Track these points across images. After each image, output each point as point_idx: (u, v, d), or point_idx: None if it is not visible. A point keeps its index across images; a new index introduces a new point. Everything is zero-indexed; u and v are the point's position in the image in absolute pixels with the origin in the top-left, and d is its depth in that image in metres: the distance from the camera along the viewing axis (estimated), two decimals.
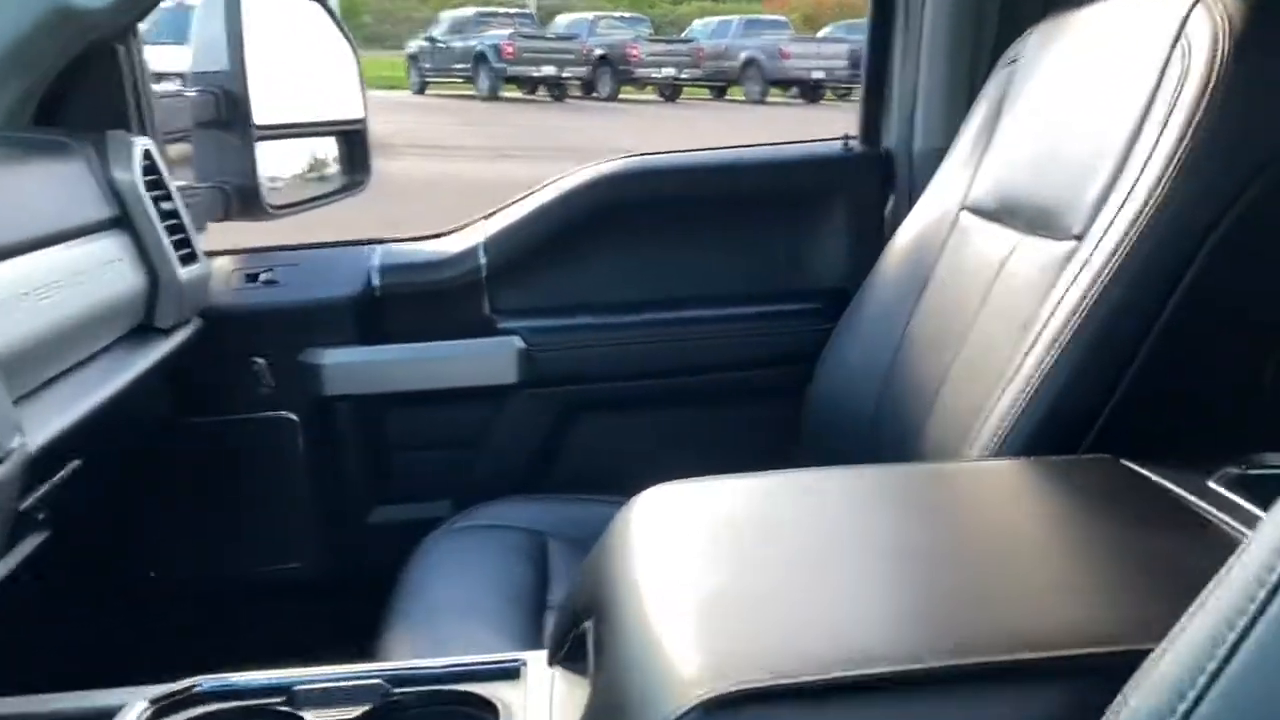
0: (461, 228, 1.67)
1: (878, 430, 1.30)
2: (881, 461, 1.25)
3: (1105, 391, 0.92)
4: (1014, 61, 1.33)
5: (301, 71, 1.87)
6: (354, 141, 1.92)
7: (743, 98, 19.44)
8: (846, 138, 1.66)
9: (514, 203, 1.67)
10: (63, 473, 1.10)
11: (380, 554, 1.59)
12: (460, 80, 19.78)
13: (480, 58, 18.87)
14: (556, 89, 19.24)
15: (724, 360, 1.62)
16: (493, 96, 18.26)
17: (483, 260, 1.60)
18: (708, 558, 0.72)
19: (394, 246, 1.64)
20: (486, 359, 1.59)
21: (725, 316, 1.63)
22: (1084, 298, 0.94)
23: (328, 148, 1.95)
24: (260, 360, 1.55)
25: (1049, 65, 1.25)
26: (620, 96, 19.61)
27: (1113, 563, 0.71)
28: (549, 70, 18.96)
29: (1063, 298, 0.97)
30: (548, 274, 1.63)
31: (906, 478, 0.85)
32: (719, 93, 20.27)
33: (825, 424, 1.41)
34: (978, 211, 1.28)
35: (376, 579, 1.43)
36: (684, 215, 1.65)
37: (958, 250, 1.29)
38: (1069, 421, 0.93)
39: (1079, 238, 1.03)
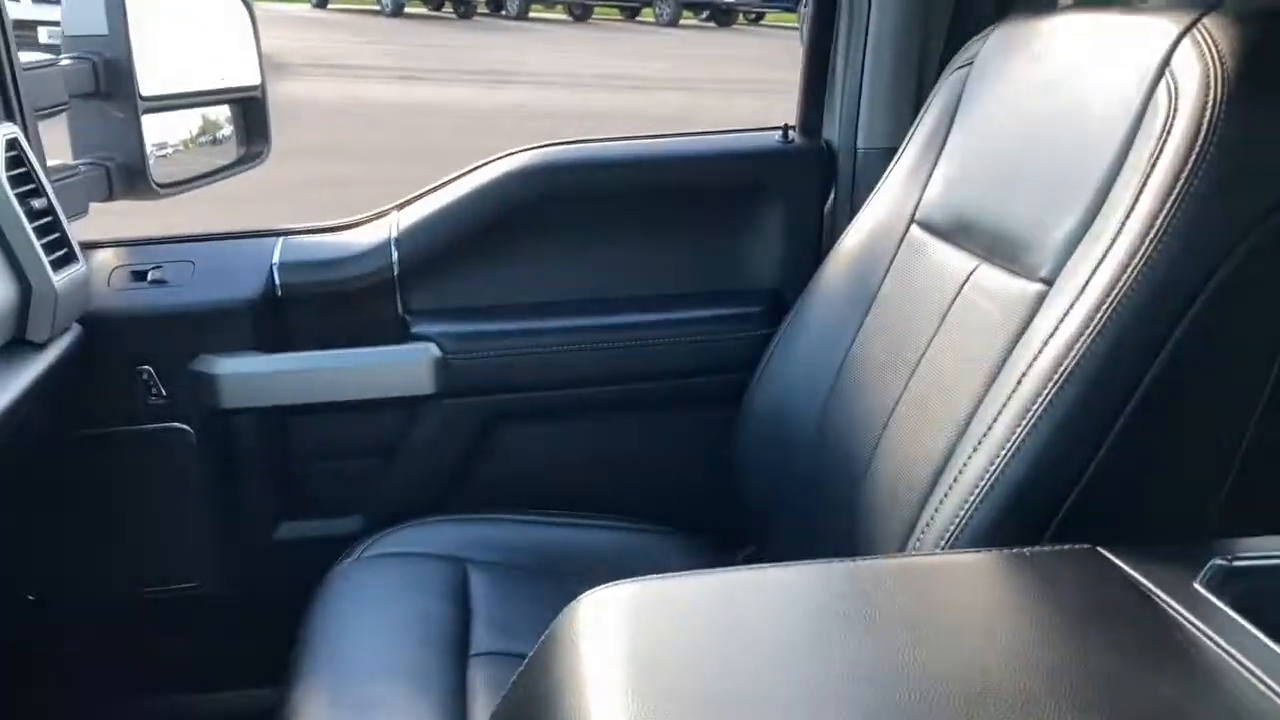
0: (370, 219, 1.54)
1: (819, 455, 1.23)
2: (822, 489, 1.19)
3: (1082, 463, 0.86)
4: (969, 64, 1.24)
5: (191, 33, 1.71)
6: (252, 110, 1.77)
7: (653, 20, 19.10)
8: (786, 128, 1.56)
9: (428, 192, 1.54)
10: None
11: (285, 572, 1.49)
12: None
13: None
14: (463, 5, 18.68)
15: (656, 367, 1.52)
16: (397, 12, 17.63)
17: (394, 256, 1.48)
18: (661, 674, 0.64)
19: (296, 240, 1.50)
20: (400, 367, 1.47)
21: (657, 322, 1.53)
22: (1061, 362, 0.87)
23: (220, 112, 1.80)
24: (148, 369, 1.41)
25: (1009, 74, 1.17)
26: (529, 15, 19.11)
27: (1088, 692, 0.65)
28: None
29: (1036, 357, 0.90)
30: (466, 272, 1.51)
31: (875, 575, 0.77)
32: (631, 14, 19.90)
33: (762, 440, 1.34)
34: (929, 227, 1.20)
35: (281, 600, 1.33)
36: (613, 210, 1.54)
37: (907, 266, 1.21)
38: (1042, 495, 0.86)
39: (1047, 281, 0.96)
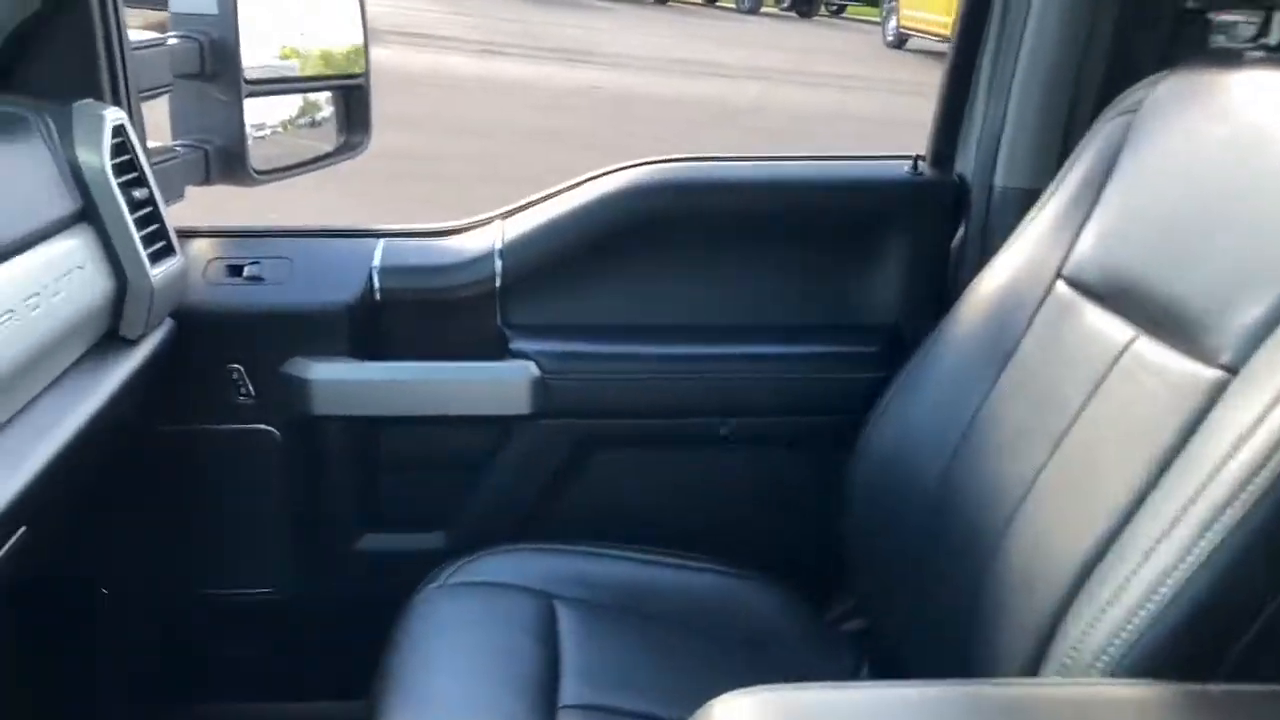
0: (475, 225, 1.48)
1: (938, 518, 1.15)
2: (940, 560, 1.11)
3: (1270, 589, 0.77)
4: (1132, 112, 1.15)
5: (297, 16, 1.66)
6: (355, 98, 1.72)
7: (733, 6, 18.90)
8: (916, 158, 1.47)
9: (536, 202, 1.47)
10: (10, 543, 0.93)
11: (363, 585, 1.44)
12: None
13: None
14: None
15: (761, 402, 1.45)
16: None
17: (498, 267, 1.41)
18: None
19: (399, 243, 1.44)
20: (496, 385, 1.41)
21: (765, 354, 1.45)
22: (1261, 467, 0.78)
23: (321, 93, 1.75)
24: (238, 368, 1.36)
25: (1185, 128, 1.07)
26: None
27: None
28: None
29: (1228, 458, 0.80)
30: (569, 288, 1.44)
31: (1036, 705, 0.70)
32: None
33: (874, 491, 1.26)
34: (1079, 285, 1.11)
35: (358, 614, 1.28)
36: (726, 232, 1.47)
37: (1053, 325, 1.12)
38: (1226, 617, 0.78)
39: (1229, 369, 0.87)
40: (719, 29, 15.68)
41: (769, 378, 1.45)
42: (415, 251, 1.43)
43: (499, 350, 1.42)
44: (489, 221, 1.47)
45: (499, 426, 1.43)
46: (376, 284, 1.39)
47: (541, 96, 8.75)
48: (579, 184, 1.46)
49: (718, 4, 19.51)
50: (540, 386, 1.41)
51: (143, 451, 1.35)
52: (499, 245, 1.42)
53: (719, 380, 1.44)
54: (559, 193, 1.47)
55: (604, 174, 1.46)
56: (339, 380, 1.37)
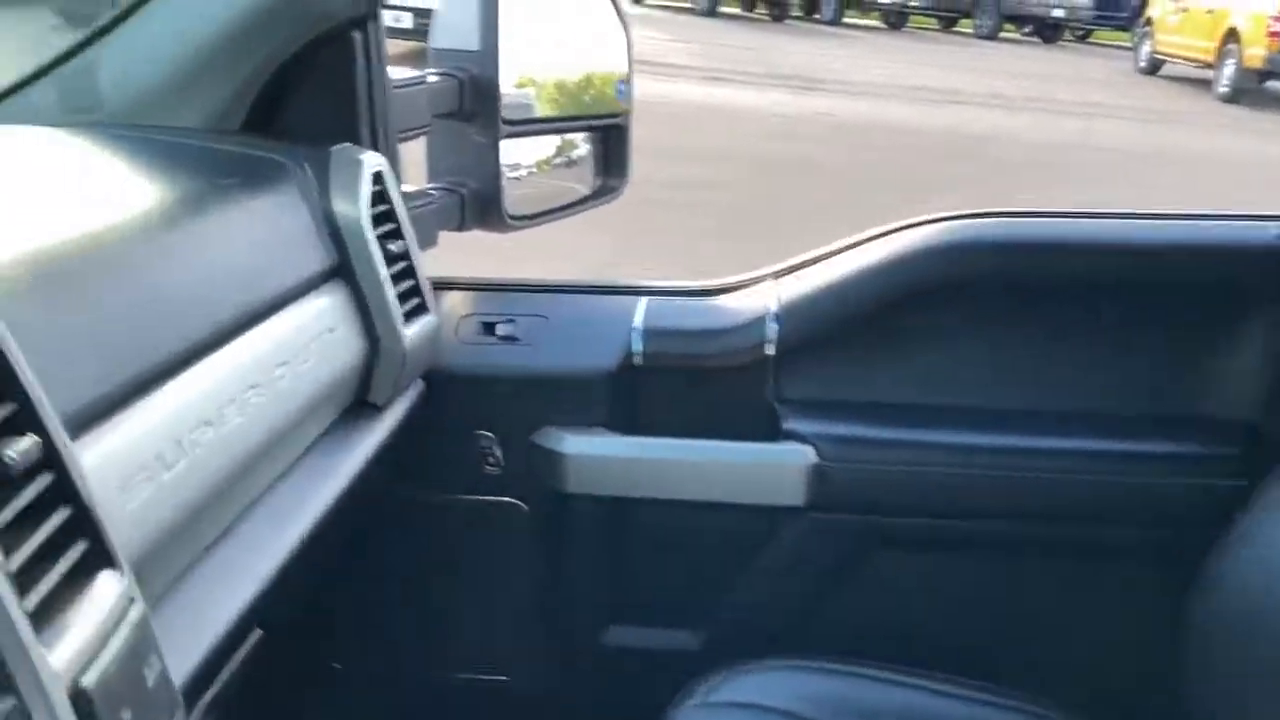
0: (745, 283, 1.32)
1: None
2: None
3: None
4: None
5: (559, 52, 1.55)
6: (614, 138, 1.60)
7: (971, 31, 18.27)
8: None
9: (814, 260, 1.30)
10: (245, 648, 0.83)
11: (606, 683, 1.30)
12: None
13: None
14: (776, 7, 18.47)
15: (1078, 507, 1.23)
16: (711, 12, 17.63)
17: (772, 332, 1.25)
18: None
19: (662, 301, 1.29)
20: (768, 470, 1.24)
21: (1087, 450, 1.23)
22: None
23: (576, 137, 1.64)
24: (489, 434, 1.25)
25: None
26: (843, 20, 18.69)
27: None
28: None
29: None
30: (855, 361, 1.26)
31: None
32: (948, 24, 19.11)
33: (1235, 635, 1.02)
34: None
35: (601, 712, 1.14)
36: (1042, 302, 1.26)
37: None
38: None
39: None
40: (956, 55, 15.18)
41: (1090, 477, 1.22)
42: (680, 312, 1.28)
43: (770, 429, 1.25)
44: (760, 280, 1.31)
45: (767, 517, 1.26)
46: (636, 347, 1.25)
47: (772, 124, 8.63)
48: (866, 240, 1.28)
49: (954, 29, 18.91)
50: (817, 475, 1.23)
51: (384, 522, 1.26)
52: (774, 308, 1.26)
53: (1028, 477, 1.23)
54: (843, 250, 1.29)
55: (897, 229, 1.27)
56: (593, 455, 1.24)
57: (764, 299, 1.27)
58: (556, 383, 1.25)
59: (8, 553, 0.51)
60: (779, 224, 5.25)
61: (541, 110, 1.51)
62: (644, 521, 1.29)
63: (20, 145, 0.95)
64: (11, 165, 0.88)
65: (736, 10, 18.64)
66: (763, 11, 18.71)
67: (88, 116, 1.06)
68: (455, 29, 1.40)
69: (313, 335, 0.96)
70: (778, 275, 1.31)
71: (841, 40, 16.13)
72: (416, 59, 1.51)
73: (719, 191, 5.99)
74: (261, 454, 0.85)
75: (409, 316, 1.10)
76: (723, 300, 1.30)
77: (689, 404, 1.26)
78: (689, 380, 1.26)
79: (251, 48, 1.07)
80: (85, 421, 0.62)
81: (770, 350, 1.25)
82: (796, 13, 18.80)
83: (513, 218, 1.45)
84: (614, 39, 1.57)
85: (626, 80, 1.58)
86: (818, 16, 18.71)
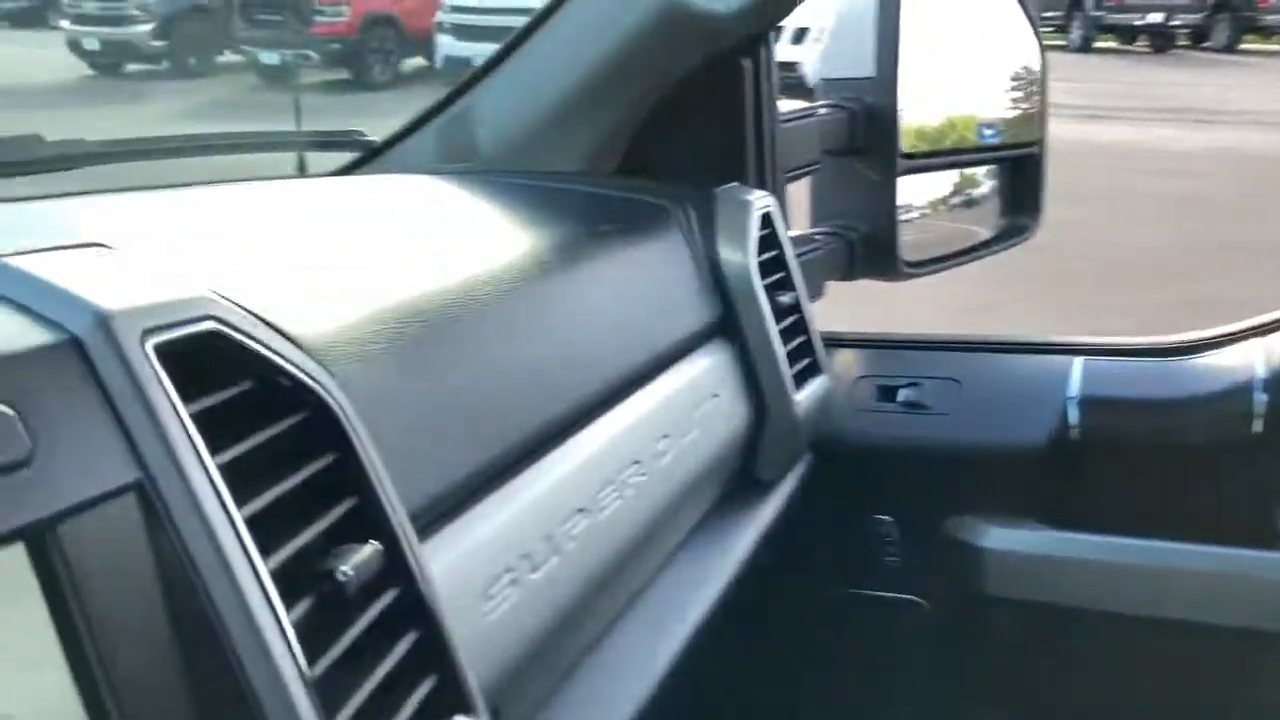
0: (1217, 341, 1.05)
1: None
2: None
3: None
4: None
5: (964, 79, 1.37)
6: (1023, 172, 1.40)
7: None
8: None
9: None
10: None
11: None
12: (1049, 30, 18.22)
13: (1076, 3, 17.20)
14: (1160, 38, 17.13)
15: None
16: (1085, 48, 16.60)
17: (1261, 404, 0.98)
18: None
19: (1104, 363, 1.06)
20: (1256, 584, 0.97)
21: None
22: None
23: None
24: (886, 519, 1.07)
25: None
26: (1239, 47, 17.01)
27: None
28: (1155, 18, 16.89)
29: None
30: None
31: None
32: None
33: None
34: None
35: None
36: None
37: None
38: None
39: None
40: None
41: None
42: (1127, 376, 1.05)
43: (1258, 529, 0.98)
44: (1239, 337, 1.04)
45: (1256, 645, 0.98)
46: (1073, 420, 1.02)
47: (1156, 161, 7.91)
48: None
49: None
50: None
51: (766, 617, 1.09)
52: (1261, 373, 0.99)
53: None
54: None
55: None
56: (1020, 553, 1.02)
57: (1244, 360, 1.01)
58: (973, 461, 1.05)
59: (341, 699, 0.39)
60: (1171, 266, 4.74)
61: (941, 142, 1.33)
62: (1081, 637, 1.05)
63: (398, 193, 0.89)
64: (388, 214, 0.81)
65: (1113, 44, 17.46)
66: (1144, 44, 17.41)
67: (464, 165, 1.00)
68: (847, 55, 1.26)
69: (696, 402, 0.83)
70: (1265, 330, 1.04)
71: (1238, 69, 14.70)
72: None
73: (1089, 231, 5.49)
74: (642, 543, 0.72)
75: (799, 379, 0.95)
76: (1186, 362, 1.05)
77: (1145, 493, 1.02)
78: (1143, 462, 1.02)
79: (630, 80, 0.97)
80: (435, 519, 0.50)
81: (1258, 427, 0.98)
82: (1183, 42, 17.35)
83: (908, 265, 1.28)
84: (1026, 57, 1.36)
85: (1041, 104, 1.36)
86: (1208, 44, 17.17)
